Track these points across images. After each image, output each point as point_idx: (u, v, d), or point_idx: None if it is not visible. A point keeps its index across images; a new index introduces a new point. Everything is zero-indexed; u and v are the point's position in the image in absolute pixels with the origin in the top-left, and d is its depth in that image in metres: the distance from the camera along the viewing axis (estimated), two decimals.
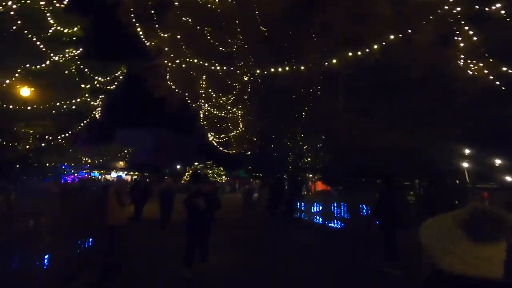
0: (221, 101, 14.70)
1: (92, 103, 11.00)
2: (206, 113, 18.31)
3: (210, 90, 13.35)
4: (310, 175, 23.11)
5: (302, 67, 6.93)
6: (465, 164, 12.36)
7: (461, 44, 6.34)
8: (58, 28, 10.69)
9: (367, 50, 5.84)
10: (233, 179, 43.42)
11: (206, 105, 16.65)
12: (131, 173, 44.53)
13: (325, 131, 11.03)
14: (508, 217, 0.87)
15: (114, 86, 11.52)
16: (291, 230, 9.64)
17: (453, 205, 7.32)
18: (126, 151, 16.50)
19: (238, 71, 12.61)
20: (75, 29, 11.19)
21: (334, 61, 6.07)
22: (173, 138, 53.55)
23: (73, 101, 10.25)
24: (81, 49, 11.09)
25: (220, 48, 12.31)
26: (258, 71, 9.18)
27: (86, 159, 13.83)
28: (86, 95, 10.44)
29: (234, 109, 14.90)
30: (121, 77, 11.36)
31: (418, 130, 7.54)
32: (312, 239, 8.60)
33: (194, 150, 44.88)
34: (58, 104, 10.08)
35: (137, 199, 10.27)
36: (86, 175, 38.79)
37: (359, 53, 5.92)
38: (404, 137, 7.39)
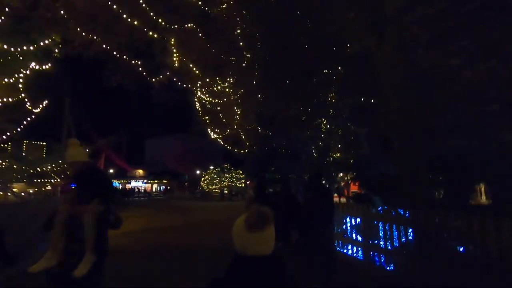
0: (213, 83, 10.96)
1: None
2: (207, 104, 14.69)
3: (192, 67, 9.65)
4: (341, 175, 18.04)
5: None
6: None
7: None
8: None
9: None
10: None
11: (200, 92, 13.03)
12: (151, 181, 42.73)
13: (360, 96, 6.67)
14: (270, 212, 1.37)
15: (49, 66, 8.22)
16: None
17: None
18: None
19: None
20: None
21: None
22: (196, 141, 50.89)
23: None
24: None
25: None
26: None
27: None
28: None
29: (230, 91, 11.02)
30: (55, 49, 8.07)
31: None
32: None
33: (214, 152, 41.71)
34: None
35: None
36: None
37: None
38: None
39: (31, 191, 25.05)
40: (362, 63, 5.34)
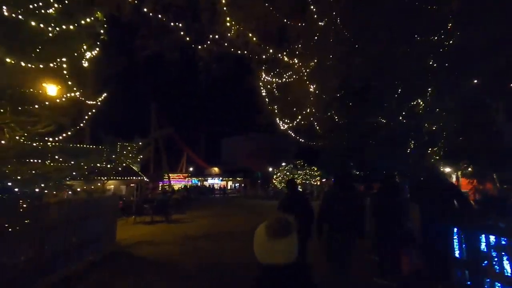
0: (277, 53, 8.77)
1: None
2: (274, 90, 12.75)
3: (252, 36, 7.72)
4: (448, 169, 14.08)
5: None
6: None
7: None
8: None
9: None
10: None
11: (263, 73, 11.12)
12: (226, 179, 43.30)
13: None
14: (292, 220, 1.29)
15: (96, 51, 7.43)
16: None
17: None
18: (135, 146, 12.87)
19: None
20: None
21: None
22: (268, 138, 49.81)
23: None
24: None
25: None
26: None
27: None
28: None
29: (299, 64, 8.72)
30: (101, 30, 7.21)
31: None
32: None
33: (287, 149, 39.64)
34: None
35: None
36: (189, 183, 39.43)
37: None
38: None
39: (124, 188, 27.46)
40: None
